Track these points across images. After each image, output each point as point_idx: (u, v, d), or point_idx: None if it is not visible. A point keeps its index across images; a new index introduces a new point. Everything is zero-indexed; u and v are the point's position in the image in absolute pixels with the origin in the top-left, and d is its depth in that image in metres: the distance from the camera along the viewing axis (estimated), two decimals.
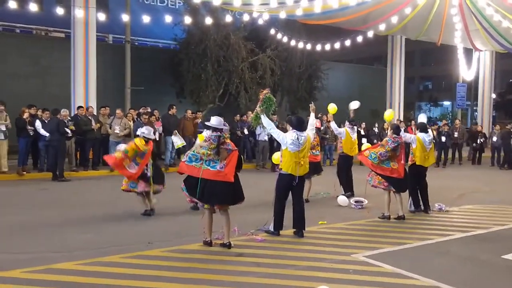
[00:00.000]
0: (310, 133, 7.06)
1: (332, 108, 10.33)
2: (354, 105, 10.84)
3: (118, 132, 13.40)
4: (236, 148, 6.32)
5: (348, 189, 10.37)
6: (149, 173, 8.06)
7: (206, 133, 7.02)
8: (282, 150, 6.82)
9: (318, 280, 4.93)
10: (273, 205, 6.93)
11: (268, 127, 6.90)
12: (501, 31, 19.27)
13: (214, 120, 6.33)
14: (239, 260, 5.72)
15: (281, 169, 6.83)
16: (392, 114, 9.62)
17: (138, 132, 8.43)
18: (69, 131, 12.23)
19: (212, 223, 6.26)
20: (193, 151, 6.20)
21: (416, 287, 4.93)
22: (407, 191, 8.70)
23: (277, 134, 6.85)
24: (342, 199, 9.53)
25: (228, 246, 6.16)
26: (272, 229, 6.92)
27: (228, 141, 6.30)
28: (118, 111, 13.70)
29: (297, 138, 6.72)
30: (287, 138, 6.75)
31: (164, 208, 8.54)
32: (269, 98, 6.87)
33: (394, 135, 8.30)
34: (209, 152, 6.06)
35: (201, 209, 6.38)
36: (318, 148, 9.76)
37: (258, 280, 5.01)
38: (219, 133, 6.21)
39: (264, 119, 6.82)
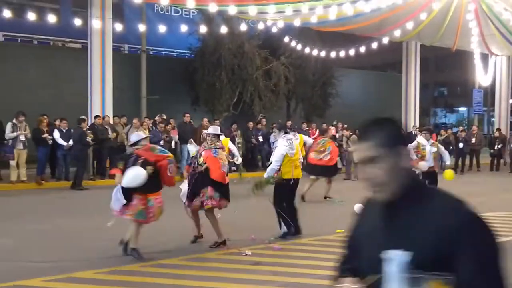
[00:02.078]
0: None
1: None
2: None
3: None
4: None
5: None
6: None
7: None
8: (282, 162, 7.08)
9: None
10: (281, 214, 7.07)
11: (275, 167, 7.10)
12: None
13: (215, 129, 6.90)
14: (257, 269, 5.71)
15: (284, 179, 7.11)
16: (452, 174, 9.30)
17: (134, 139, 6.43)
18: (90, 141, 12.43)
19: None
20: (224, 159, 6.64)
21: None
22: None
23: (277, 156, 7.08)
24: (359, 207, 9.43)
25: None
26: (286, 230, 7.09)
27: None
28: (135, 120, 13.83)
29: (290, 142, 7.20)
30: (282, 146, 7.08)
31: (180, 216, 8.56)
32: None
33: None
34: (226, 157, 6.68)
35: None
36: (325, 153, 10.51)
37: None
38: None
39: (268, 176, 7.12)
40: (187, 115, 15.09)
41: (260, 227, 7.17)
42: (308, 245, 6.82)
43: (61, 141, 12.52)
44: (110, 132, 13.43)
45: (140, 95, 18.22)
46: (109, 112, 14.65)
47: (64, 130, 12.70)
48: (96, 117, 13.69)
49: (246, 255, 6.24)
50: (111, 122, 14.08)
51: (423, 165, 8.48)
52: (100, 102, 14.84)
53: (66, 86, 18.19)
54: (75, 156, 12.26)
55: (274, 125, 8.24)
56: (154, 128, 14.08)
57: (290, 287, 5.04)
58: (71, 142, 12.61)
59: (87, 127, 12.84)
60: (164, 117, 14.75)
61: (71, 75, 18.06)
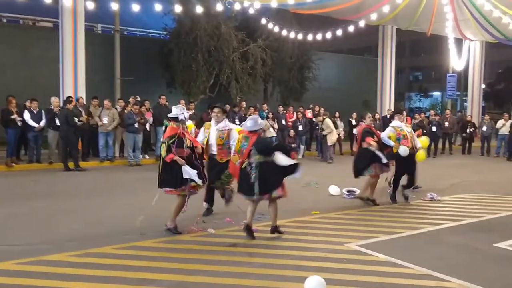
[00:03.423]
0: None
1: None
2: None
3: (106, 123, 13.24)
4: None
5: None
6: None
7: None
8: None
9: (311, 270, 4.92)
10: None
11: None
12: (492, 21, 19.30)
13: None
14: (232, 250, 5.70)
15: None
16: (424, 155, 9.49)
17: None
18: (77, 121, 12.18)
19: None
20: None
21: (410, 275, 4.94)
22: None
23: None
24: (333, 189, 9.54)
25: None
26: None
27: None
28: (105, 102, 13.55)
29: None
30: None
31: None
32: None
33: None
34: None
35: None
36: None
37: (251, 270, 5.00)
38: None
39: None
40: (163, 97, 14.85)
41: (235, 210, 7.12)
42: (284, 226, 6.82)
43: (31, 123, 12.19)
44: (83, 114, 13.13)
45: (114, 76, 17.86)
46: (82, 93, 14.30)
47: (34, 111, 12.36)
48: (68, 98, 13.35)
49: (210, 232, 6.38)
50: (84, 103, 13.75)
51: (404, 151, 8.27)
52: (72, 83, 14.45)
53: (37, 66, 17.68)
54: (63, 137, 12.06)
55: (215, 106, 7.27)
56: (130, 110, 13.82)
57: (266, 268, 5.04)
58: (42, 123, 12.32)
59: (59, 108, 12.52)
60: (138, 98, 14.49)
61: (42, 55, 17.54)
